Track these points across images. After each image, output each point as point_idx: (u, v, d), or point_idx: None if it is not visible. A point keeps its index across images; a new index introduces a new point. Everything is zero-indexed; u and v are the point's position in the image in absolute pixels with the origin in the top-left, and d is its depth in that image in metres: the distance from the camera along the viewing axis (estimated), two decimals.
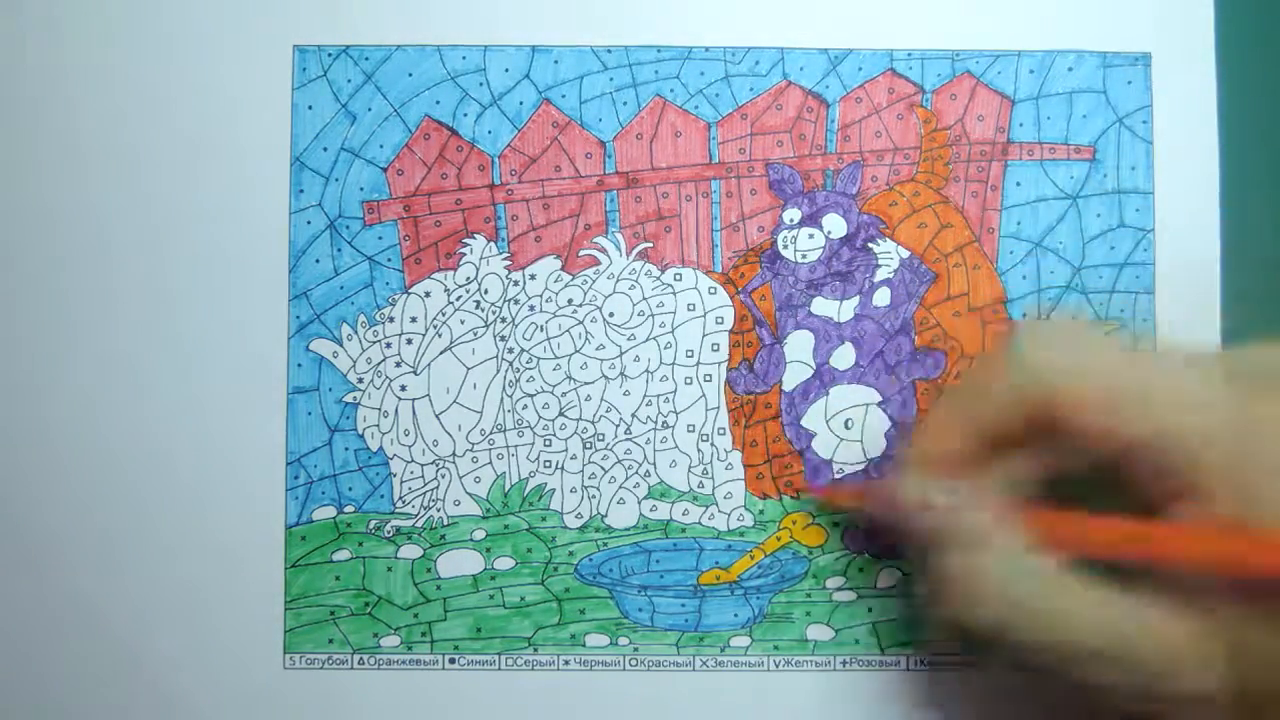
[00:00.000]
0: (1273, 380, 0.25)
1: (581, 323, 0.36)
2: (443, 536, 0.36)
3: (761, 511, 0.36)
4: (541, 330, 0.36)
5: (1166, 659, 0.25)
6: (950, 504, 0.28)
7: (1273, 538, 0.24)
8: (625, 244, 0.36)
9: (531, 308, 0.36)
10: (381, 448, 0.36)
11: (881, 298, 0.36)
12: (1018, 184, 0.36)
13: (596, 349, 0.36)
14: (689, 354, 0.36)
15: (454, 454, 0.36)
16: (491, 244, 0.36)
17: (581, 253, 0.36)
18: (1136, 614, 0.26)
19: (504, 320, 0.36)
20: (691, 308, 0.36)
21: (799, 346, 0.36)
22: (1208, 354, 0.28)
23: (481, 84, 0.36)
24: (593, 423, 0.36)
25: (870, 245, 0.36)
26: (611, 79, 0.36)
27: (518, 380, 0.36)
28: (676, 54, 0.36)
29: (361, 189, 0.36)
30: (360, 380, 0.36)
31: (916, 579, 0.35)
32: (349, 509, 0.36)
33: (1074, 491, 0.28)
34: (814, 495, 0.35)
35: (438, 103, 0.36)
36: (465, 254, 0.36)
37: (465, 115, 0.36)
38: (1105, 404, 0.26)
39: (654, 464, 0.36)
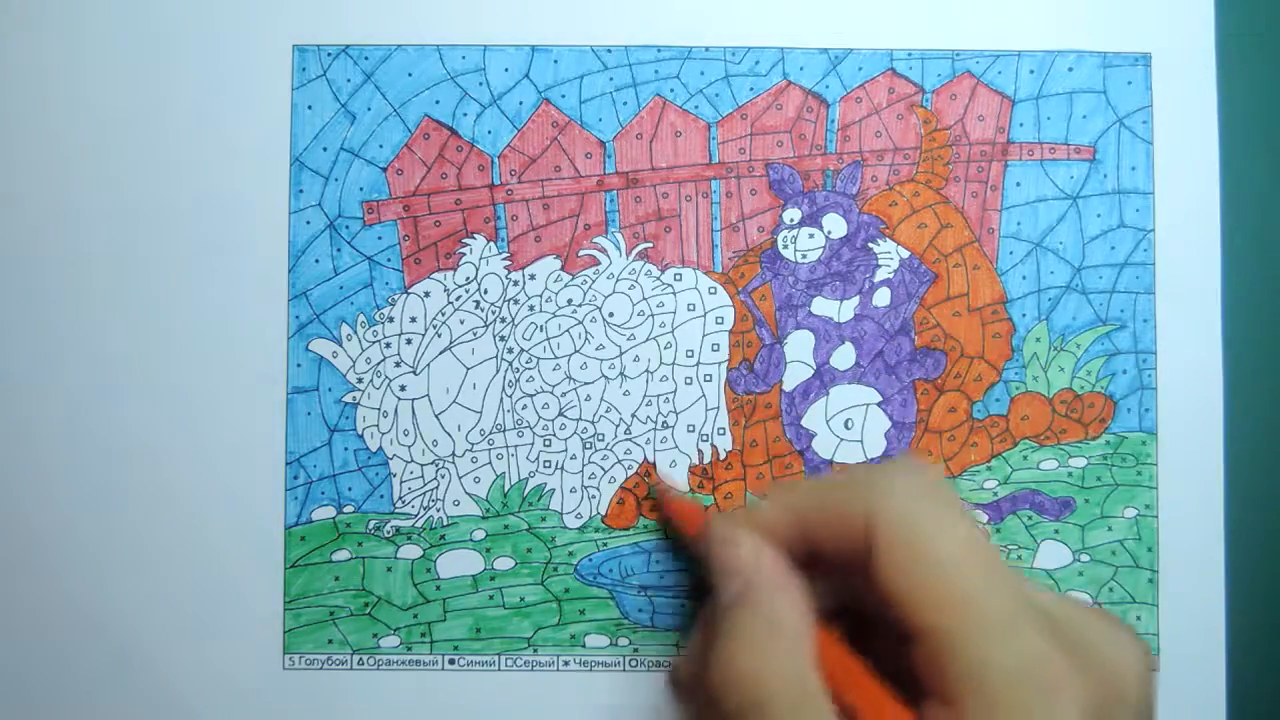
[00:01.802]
0: (1078, 643, 0.25)
1: (581, 323, 0.36)
2: (442, 536, 0.36)
3: None
4: (541, 330, 0.36)
5: None
6: (750, 559, 0.28)
7: None
8: (625, 244, 0.36)
9: (531, 308, 0.36)
10: (381, 448, 0.36)
11: (881, 298, 0.36)
12: (1018, 184, 0.36)
13: (596, 349, 0.36)
14: (689, 354, 0.36)
15: (454, 454, 0.36)
16: (491, 244, 0.36)
17: (581, 253, 0.36)
18: None
19: (504, 320, 0.36)
20: (691, 308, 0.36)
21: (799, 346, 0.36)
22: (1038, 590, 0.27)
23: (481, 84, 0.36)
24: (593, 423, 0.36)
25: (870, 245, 0.36)
26: (611, 79, 0.36)
27: (518, 380, 0.36)
28: (676, 54, 0.36)
29: (361, 189, 0.36)
30: (360, 380, 0.36)
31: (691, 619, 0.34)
32: (349, 509, 0.36)
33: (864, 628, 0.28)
34: (660, 498, 0.35)
35: (437, 103, 0.36)
36: (465, 254, 0.36)
37: (465, 115, 0.36)
38: (914, 576, 0.25)
39: (654, 464, 0.36)
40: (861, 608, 0.28)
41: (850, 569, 0.27)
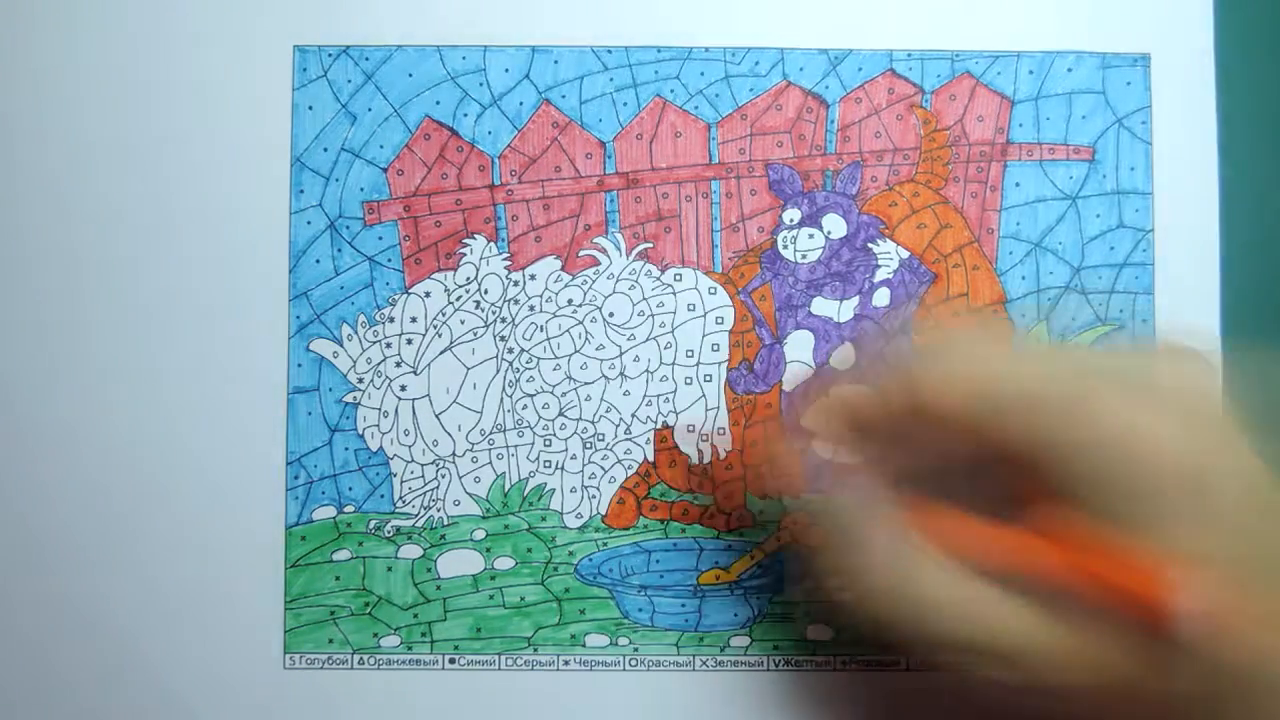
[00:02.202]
0: (1148, 386, 0.25)
1: (581, 323, 0.36)
2: (443, 536, 0.36)
3: (761, 511, 0.36)
4: (541, 330, 0.36)
5: (1033, 653, 0.25)
6: (835, 478, 0.29)
7: (1126, 559, 0.24)
8: (625, 244, 0.36)
9: (531, 308, 0.36)
10: (381, 448, 0.36)
11: (881, 298, 0.36)
12: (1017, 184, 0.36)
13: (596, 349, 0.36)
14: (689, 354, 0.36)
15: (454, 454, 0.36)
16: (491, 244, 0.36)
17: (581, 253, 0.36)
18: (1002, 609, 0.26)
19: (504, 320, 0.36)
20: (691, 308, 0.36)
21: (799, 346, 0.36)
22: (1093, 357, 0.28)
23: (481, 84, 0.36)
24: (593, 423, 0.36)
25: (870, 245, 0.36)
26: (611, 79, 0.36)
27: (518, 380, 0.36)
28: (676, 54, 0.36)
29: (362, 189, 0.36)
30: (360, 380, 0.36)
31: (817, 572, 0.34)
32: (349, 509, 0.36)
33: (941, 489, 0.29)
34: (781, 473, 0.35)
35: (438, 103, 0.36)
36: (465, 254, 0.36)
37: (465, 115, 0.36)
38: (982, 403, 0.26)
39: (654, 464, 0.36)
40: (944, 463, 0.28)
41: (920, 429, 0.27)
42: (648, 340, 0.36)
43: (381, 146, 0.36)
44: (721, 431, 0.36)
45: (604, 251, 0.36)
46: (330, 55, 0.36)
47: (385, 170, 0.36)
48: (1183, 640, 0.24)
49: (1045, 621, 0.25)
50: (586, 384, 0.36)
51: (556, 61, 0.36)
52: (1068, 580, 0.25)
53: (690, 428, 0.36)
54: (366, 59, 0.36)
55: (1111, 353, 0.28)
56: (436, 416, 0.36)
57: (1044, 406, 0.25)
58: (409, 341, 0.36)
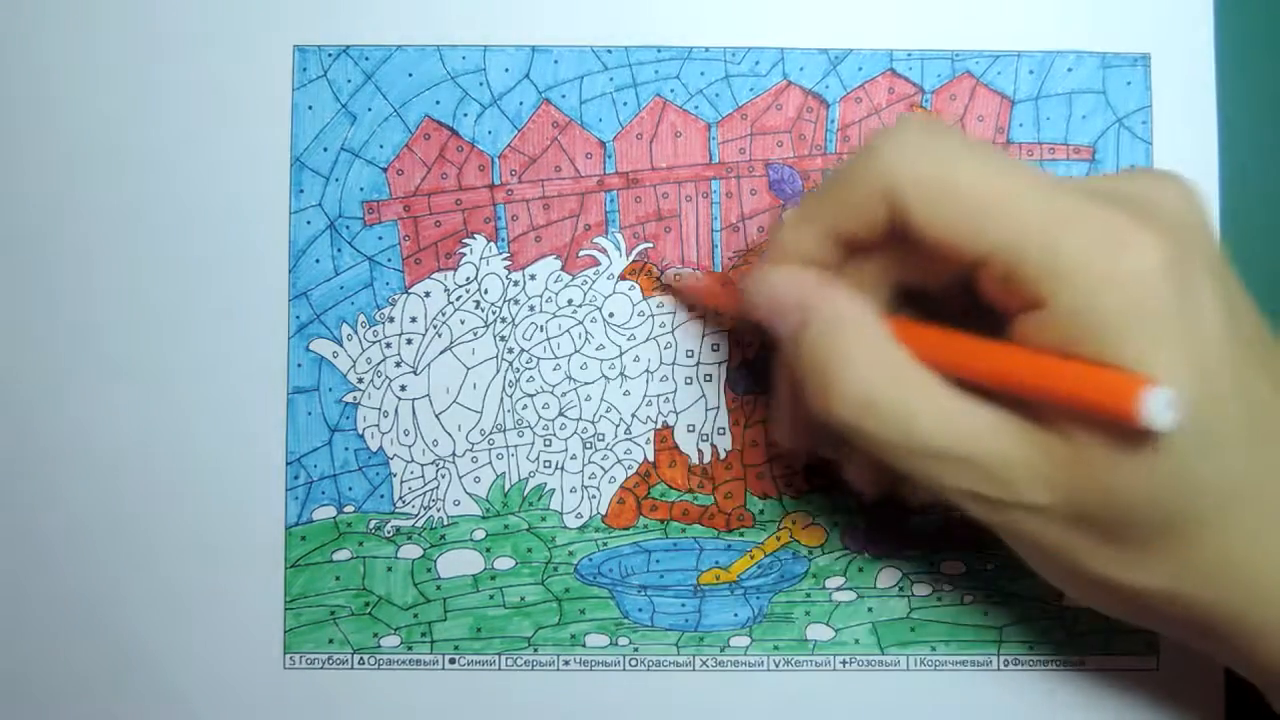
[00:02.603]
0: (1131, 204, 0.25)
1: (581, 323, 0.36)
2: (443, 536, 0.36)
3: (762, 511, 0.36)
4: (541, 330, 0.36)
5: (1006, 467, 0.25)
6: (807, 292, 0.28)
7: (1106, 370, 0.24)
8: (625, 244, 0.36)
9: (531, 308, 0.36)
10: (381, 448, 0.36)
11: None
12: None
13: (596, 349, 0.36)
14: (689, 354, 0.36)
15: (454, 454, 0.36)
16: (491, 244, 0.36)
17: (581, 253, 0.36)
18: (981, 419, 0.26)
19: (504, 320, 0.36)
20: (692, 308, 0.36)
21: None
22: (1068, 177, 0.28)
23: (481, 84, 0.36)
24: (593, 423, 0.36)
25: None
26: (611, 79, 0.36)
27: (518, 380, 0.36)
28: (676, 54, 0.36)
29: (361, 189, 0.36)
30: (360, 380, 0.36)
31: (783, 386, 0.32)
32: (349, 509, 0.36)
33: (924, 304, 0.28)
34: (674, 286, 0.35)
35: (438, 103, 0.36)
36: (465, 254, 0.36)
37: (465, 115, 0.36)
38: (957, 212, 0.25)
39: (654, 464, 0.36)
40: (925, 277, 0.28)
41: (898, 243, 0.27)
42: (648, 340, 0.36)
43: (381, 146, 0.36)
44: (721, 431, 0.36)
45: (604, 251, 0.36)
46: (330, 55, 0.36)
47: (385, 170, 0.36)
48: (1157, 450, 0.24)
49: (1024, 435, 0.25)
50: (586, 384, 0.36)
51: (556, 61, 0.36)
52: (1044, 387, 0.25)
53: (690, 428, 0.36)
54: (366, 59, 0.36)
55: (1091, 176, 0.27)
56: (436, 416, 0.36)
57: (1023, 217, 0.25)
58: (409, 341, 0.36)
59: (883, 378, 0.26)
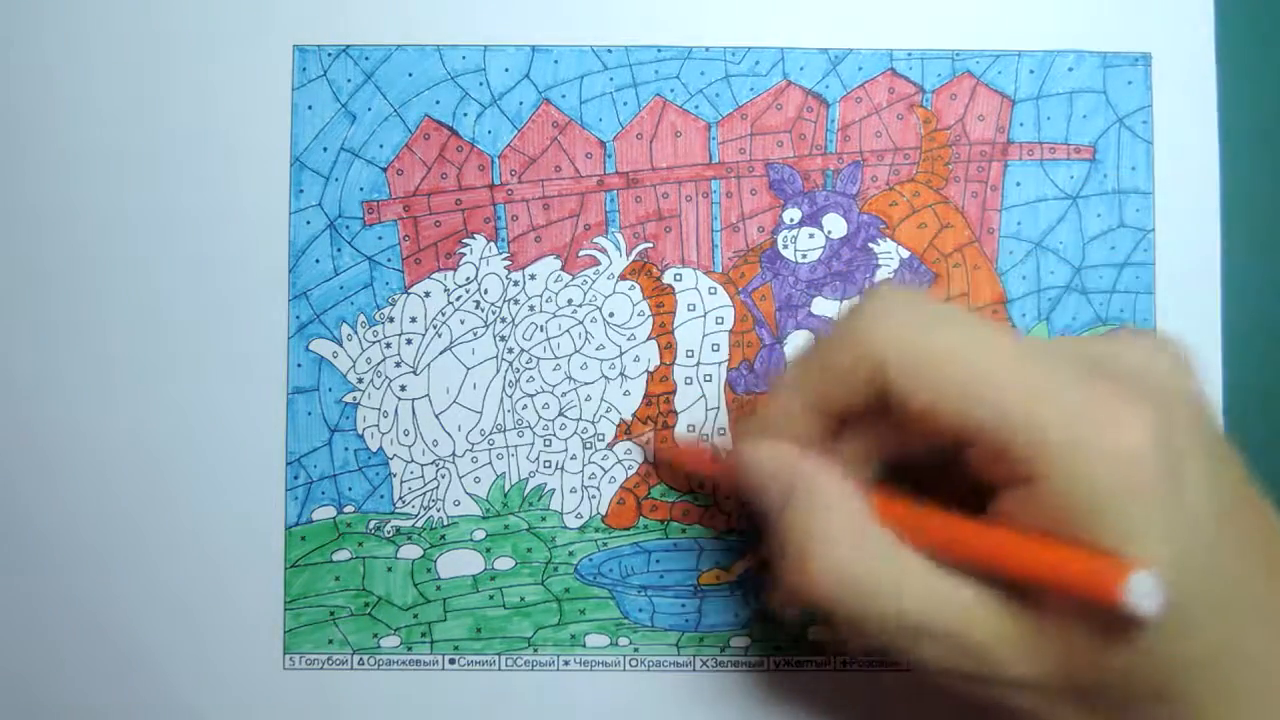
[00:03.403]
0: (1119, 374, 0.25)
1: (581, 323, 0.36)
2: (443, 536, 0.36)
3: None
4: (541, 330, 0.36)
5: (993, 644, 0.25)
6: (789, 470, 0.27)
7: (1091, 555, 0.23)
8: (625, 244, 0.36)
9: (531, 308, 0.36)
10: (381, 448, 0.36)
11: None
12: (1018, 184, 0.36)
13: (596, 349, 0.36)
14: (689, 354, 0.36)
15: (454, 454, 0.36)
16: (491, 244, 0.36)
17: (581, 253, 0.36)
18: (965, 597, 0.25)
19: (504, 320, 0.36)
20: (691, 308, 0.36)
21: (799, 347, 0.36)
22: (1054, 341, 0.27)
23: (481, 84, 0.36)
24: (593, 423, 0.36)
25: (870, 245, 0.36)
26: (611, 79, 0.36)
27: (518, 380, 0.36)
28: (676, 54, 0.36)
29: (361, 189, 0.36)
30: (360, 380, 0.36)
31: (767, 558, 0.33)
32: (349, 509, 0.36)
33: (913, 475, 0.28)
34: (662, 455, 0.35)
35: (438, 103, 0.36)
36: (465, 254, 0.36)
37: (465, 115, 0.36)
38: (940, 387, 0.25)
39: (654, 464, 0.36)
40: (912, 449, 0.27)
41: (885, 415, 0.26)
42: (648, 340, 0.36)
43: (381, 146, 0.36)
44: (722, 431, 0.36)
45: (604, 251, 0.36)
46: (330, 55, 0.36)
47: (385, 170, 0.36)
48: (1143, 632, 0.24)
49: (1009, 612, 0.25)
50: (586, 384, 0.36)
51: (556, 61, 0.36)
52: (1030, 571, 0.25)
53: (690, 427, 0.36)
54: (366, 59, 0.36)
55: (1079, 339, 0.27)
56: (436, 416, 0.36)
57: (1010, 394, 0.24)
58: (409, 341, 0.36)
59: (863, 557, 0.26)
